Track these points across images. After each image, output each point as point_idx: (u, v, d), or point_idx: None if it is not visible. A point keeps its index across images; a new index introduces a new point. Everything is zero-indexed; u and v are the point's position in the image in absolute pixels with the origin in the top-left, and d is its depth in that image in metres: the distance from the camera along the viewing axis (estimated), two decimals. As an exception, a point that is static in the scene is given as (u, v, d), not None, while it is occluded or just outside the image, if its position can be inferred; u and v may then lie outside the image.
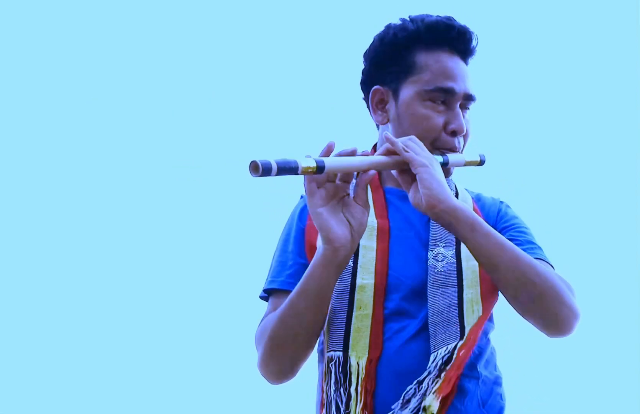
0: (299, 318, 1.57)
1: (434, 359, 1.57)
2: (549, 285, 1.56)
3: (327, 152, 1.48)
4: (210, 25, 3.67)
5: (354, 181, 1.54)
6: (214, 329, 3.64)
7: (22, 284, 3.68)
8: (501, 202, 1.85)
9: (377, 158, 1.55)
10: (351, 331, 1.61)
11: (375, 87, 1.76)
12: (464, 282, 1.64)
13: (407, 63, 1.71)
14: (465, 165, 1.72)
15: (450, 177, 1.77)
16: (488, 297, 1.65)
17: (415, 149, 1.55)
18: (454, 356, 1.57)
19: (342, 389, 1.59)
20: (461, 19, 1.77)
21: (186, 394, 3.65)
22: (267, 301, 1.75)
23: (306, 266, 1.65)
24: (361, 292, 1.64)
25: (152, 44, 3.66)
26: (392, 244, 1.69)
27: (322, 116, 3.50)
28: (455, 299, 1.62)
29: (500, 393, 1.71)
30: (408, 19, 1.74)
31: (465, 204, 1.64)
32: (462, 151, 1.73)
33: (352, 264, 1.67)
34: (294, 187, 1.80)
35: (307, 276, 1.57)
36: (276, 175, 1.36)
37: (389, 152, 1.56)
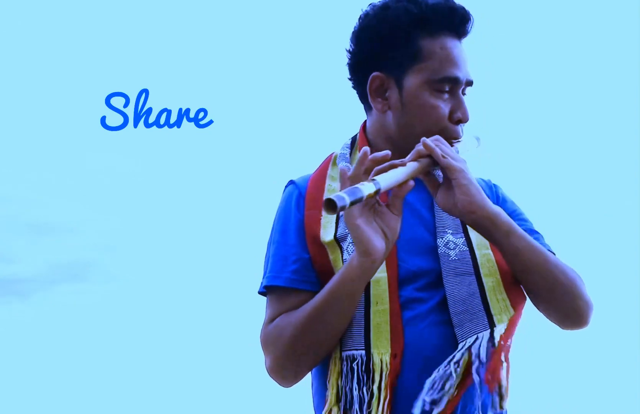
0: (327, 326, 1.57)
1: (462, 347, 1.56)
2: (571, 282, 1.62)
3: (363, 159, 1.48)
4: (207, 28, 3.66)
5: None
6: (212, 328, 3.64)
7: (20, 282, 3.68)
8: (494, 185, 1.82)
9: (412, 166, 1.54)
10: (371, 328, 1.58)
11: (374, 74, 1.70)
12: (481, 271, 1.62)
13: (412, 49, 1.66)
14: None
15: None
16: (513, 291, 1.63)
17: (450, 154, 1.55)
18: (496, 343, 1.57)
19: (364, 388, 1.56)
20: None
21: (186, 391, 3.65)
22: (265, 296, 1.70)
23: (310, 261, 1.63)
24: (376, 286, 1.61)
25: (147, 46, 3.65)
26: (399, 234, 1.62)
27: (314, 117, 3.49)
28: (476, 287, 1.61)
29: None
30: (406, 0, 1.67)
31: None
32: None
33: None
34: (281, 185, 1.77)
35: (337, 284, 1.55)
36: (349, 207, 1.40)
37: (418, 155, 1.55)
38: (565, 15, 3.59)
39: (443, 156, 1.53)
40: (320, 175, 1.73)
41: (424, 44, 1.65)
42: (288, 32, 3.65)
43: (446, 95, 1.66)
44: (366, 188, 1.42)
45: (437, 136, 1.58)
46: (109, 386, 3.59)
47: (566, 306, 1.63)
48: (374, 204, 1.51)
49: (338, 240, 1.63)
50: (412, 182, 1.51)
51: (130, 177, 3.66)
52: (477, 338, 1.56)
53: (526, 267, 1.58)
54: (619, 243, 3.57)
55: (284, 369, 1.62)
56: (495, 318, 1.58)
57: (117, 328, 3.58)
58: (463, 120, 1.67)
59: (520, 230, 1.58)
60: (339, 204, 1.36)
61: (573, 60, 3.57)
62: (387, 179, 1.48)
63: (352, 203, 1.39)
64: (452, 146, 1.63)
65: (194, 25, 3.70)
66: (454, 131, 1.67)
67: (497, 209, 1.56)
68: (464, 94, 1.69)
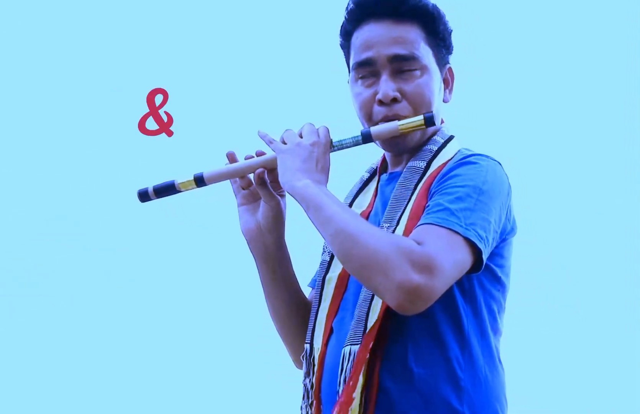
0: (269, 309, 1.77)
1: (342, 357, 1.53)
2: (368, 256, 1.41)
3: (231, 160, 1.66)
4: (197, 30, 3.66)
5: None
6: (214, 330, 3.64)
7: (23, 287, 3.68)
8: (461, 160, 1.58)
9: (264, 157, 1.64)
10: (316, 323, 1.64)
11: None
12: None
13: (347, 51, 1.69)
14: (402, 130, 1.58)
15: (431, 140, 1.64)
16: None
17: (284, 138, 1.59)
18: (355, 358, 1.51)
19: (307, 379, 1.64)
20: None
21: (187, 396, 3.65)
22: None
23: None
24: (328, 285, 1.65)
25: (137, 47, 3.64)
26: None
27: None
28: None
29: (452, 397, 1.50)
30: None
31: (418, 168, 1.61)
32: (413, 115, 1.59)
33: (328, 259, 1.68)
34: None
35: None
36: (157, 198, 1.62)
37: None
38: (562, 14, 3.60)
39: (270, 142, 1.61)
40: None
41: (351, 42, 1.67)
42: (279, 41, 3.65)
43: (371, 80, 1.62)
44: (181, 178, 1.62)
45: (308, 124, 1.60)
46: (97, 400, 3.59)
47: (366, 281, 1.45)
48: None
49: None
50: (260, 170, 1.63)
51: (120, 181, 3.67)
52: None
53: (324, 238, 1.50)
54: (618, 243, 3.57)
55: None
56: (369, 328, 1.52)
57: (105, 340, 3.58)
58: (383, 100, 1.59)
59: (318, 203, 1.48)
60: (140, 194, 1.62)
61: (572, 59, 3.58)
62: (216, 170, 1.64)
63: (158, 192, 1.61)
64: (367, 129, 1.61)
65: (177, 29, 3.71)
66: (378, 112, 1.60)
67: (299, 185, 1.51)
68: (407, 70, 1.60)
